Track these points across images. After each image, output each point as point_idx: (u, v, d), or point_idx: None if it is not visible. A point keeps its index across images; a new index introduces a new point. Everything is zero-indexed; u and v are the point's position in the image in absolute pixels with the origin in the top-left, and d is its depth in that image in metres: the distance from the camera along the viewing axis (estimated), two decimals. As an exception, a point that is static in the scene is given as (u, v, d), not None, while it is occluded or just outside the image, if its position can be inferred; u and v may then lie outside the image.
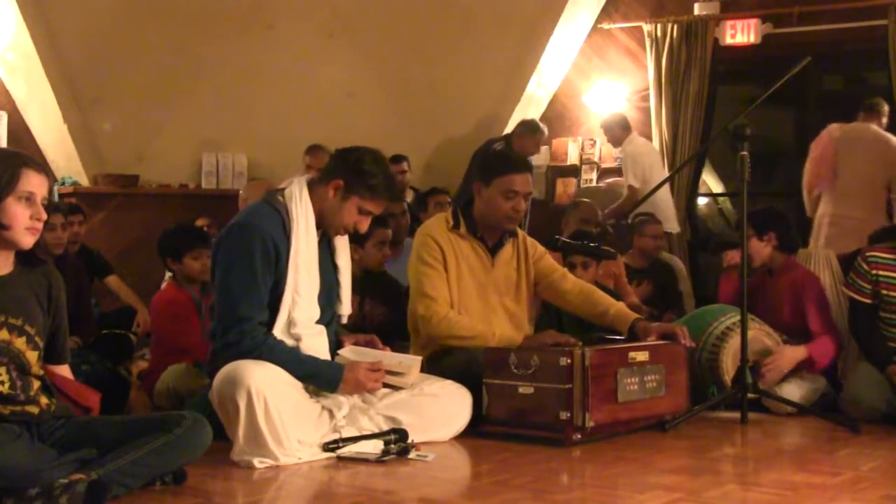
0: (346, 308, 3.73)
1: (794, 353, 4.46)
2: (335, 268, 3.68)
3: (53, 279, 2.90)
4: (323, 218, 3.53)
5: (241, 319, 3.35)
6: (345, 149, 3.59)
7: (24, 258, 2.82)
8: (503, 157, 4.36)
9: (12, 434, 2.66)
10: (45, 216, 2.75)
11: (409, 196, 7.34)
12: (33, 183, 2.73)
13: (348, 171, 3.50)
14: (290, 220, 3.44)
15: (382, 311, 4.94)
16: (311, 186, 3.53)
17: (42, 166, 2.84)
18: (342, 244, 3.71)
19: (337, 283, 3.68)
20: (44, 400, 2.79)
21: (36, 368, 2.79)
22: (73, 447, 2.73)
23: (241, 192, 5.51)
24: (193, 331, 4.55)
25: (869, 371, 4.35)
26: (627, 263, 6.12)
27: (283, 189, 3.56)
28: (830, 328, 4.63)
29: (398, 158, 7.33)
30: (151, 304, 4.92)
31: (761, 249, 4.72)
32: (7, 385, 2.70)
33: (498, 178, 4.08)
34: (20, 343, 2.75)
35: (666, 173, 7.13)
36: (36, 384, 2.78)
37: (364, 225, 3.58)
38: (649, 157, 7.22)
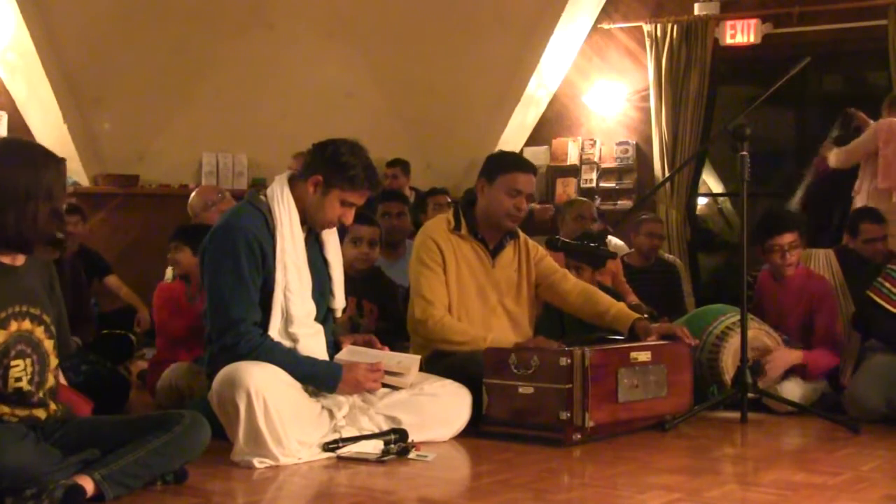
0: (339, 302, 3.72)
1: (790, 356, 4.46)
2: (325, 262, 3.67)
3: (52, 269, 2.93)
4: (307, 214, 3.52)
5: (235, 321, 3.35)
6: (321, 143, 3.55)
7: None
8: (510, 155, 4.36)
9: (19, 434, 2.66)
10: None
11: (411, 197, 7.33)
12: None
13: (326, 165, 3.48)
14: (274, 218, 3.44)
15: (379, 311, 4.91)
16: (293, 184, 3.52)
17: None
18: (331, 238, 3.70)
19: (329, 278, 3.68)
20: (52, 406, 2.80)
21: (53, 359, 2.81)
22: (74, 447, 2.74)
23: (190, 199, 5.44)
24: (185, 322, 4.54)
25: (871, 371, 4.34)
26: (628, 263, 6.11)
27: (264, 189, 3.56)
28: (834, 340, 4.63)
29: (393, 163, 7.33)
30: (154, 296, 4.90)
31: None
32: (27, 379, 2.71)
33: (502, 176, 4.08)
34: (39, 332, 2.77)
35: None
36: (50, 380, 2.79)
37: (349, 217, 3.57)
38: None
